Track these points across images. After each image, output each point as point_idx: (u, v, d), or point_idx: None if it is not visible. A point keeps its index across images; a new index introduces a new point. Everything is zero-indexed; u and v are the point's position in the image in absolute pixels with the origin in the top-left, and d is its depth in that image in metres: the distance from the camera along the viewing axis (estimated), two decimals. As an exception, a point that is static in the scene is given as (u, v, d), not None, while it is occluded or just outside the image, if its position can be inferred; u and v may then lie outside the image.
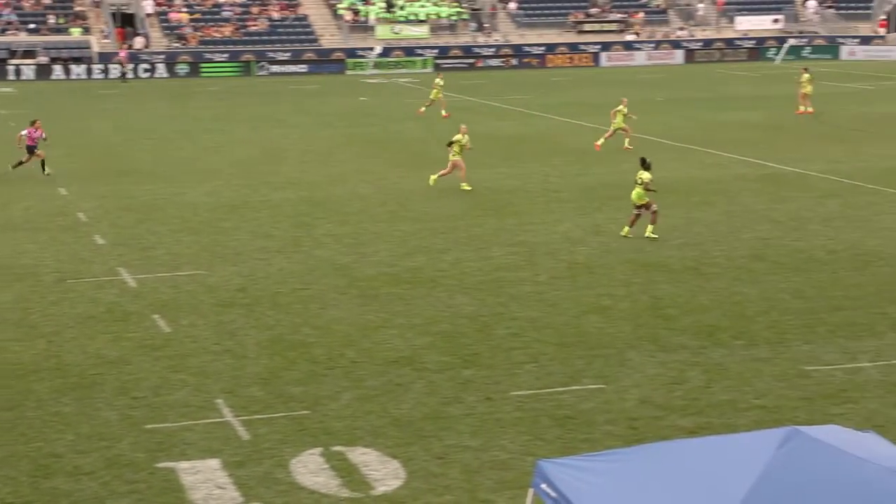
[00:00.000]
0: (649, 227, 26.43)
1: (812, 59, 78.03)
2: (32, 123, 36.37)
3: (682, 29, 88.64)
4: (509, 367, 18.04)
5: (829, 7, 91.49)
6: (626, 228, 26.66)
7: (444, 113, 51.41)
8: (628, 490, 9.39)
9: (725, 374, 17.55)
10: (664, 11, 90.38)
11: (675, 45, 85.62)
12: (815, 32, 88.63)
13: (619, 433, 15.26)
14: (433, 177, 33.55)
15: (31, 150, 35.83)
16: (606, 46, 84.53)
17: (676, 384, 17.13)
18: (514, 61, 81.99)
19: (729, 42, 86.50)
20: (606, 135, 40.48)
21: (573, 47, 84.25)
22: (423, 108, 52.62)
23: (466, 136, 33.63)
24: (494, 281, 23.20)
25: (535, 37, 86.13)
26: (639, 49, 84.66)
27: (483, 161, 39.23)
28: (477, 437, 15.32)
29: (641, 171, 26.48)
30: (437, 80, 53.51)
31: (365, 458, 14.72)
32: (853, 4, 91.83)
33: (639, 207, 26.39)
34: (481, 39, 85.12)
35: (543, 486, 9.82)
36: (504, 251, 25.75)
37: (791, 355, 18.33)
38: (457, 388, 17.18)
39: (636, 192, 26.40)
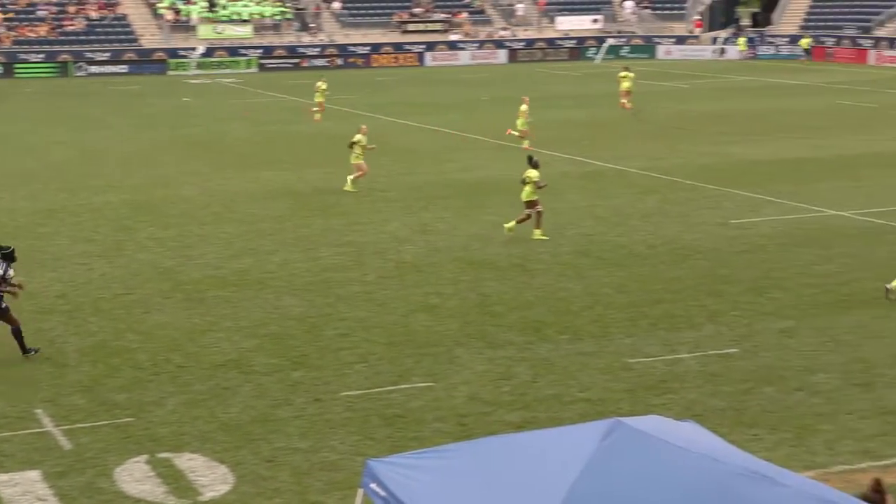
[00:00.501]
0: (537, 231, 26.51)
1: (630, 58, 79.80)
2: None
3: (504, 29, 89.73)
4: (339, 367, 17.99)
5: (646, 7, 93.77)
6: (512, 223, 26.67)
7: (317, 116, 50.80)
8: (457, 485, 9.45)
9: (551, 368, 17.82)
10: (483, 11, 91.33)
11: (499, 44, 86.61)
12: (633, 32, 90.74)
13: (449, 430, 15.35)
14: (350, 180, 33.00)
15: None
16: (431, 46, 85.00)
17: (504, 380, 17.32)
18: (339, 61, 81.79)
19: (550, 42, 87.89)
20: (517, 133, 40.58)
21: (398, 47, 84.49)
22: (318, 116, 51.27)
23: (366, 137, 33.37)
24: (323, 282, 23.10)
25: (359, 37, 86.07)
26: (463, 49, 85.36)
27: (310, 161, 39.09)
28: (306, 438, 15.23)
29: (529, 170, 26.61)
30: (320, 84, 52.51)
31: (192, 463, 14.49)
32: (668, 5, 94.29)
33: (528, 205, 26.46)
34: (306, 39, 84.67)
35: (373, 485, 9.80)
36: (332, 252, 25.66)
37: (614, 348, 18.72)
38: (286, 390, 17.05)
39: (525, 191, 26.55)
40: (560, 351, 18.63)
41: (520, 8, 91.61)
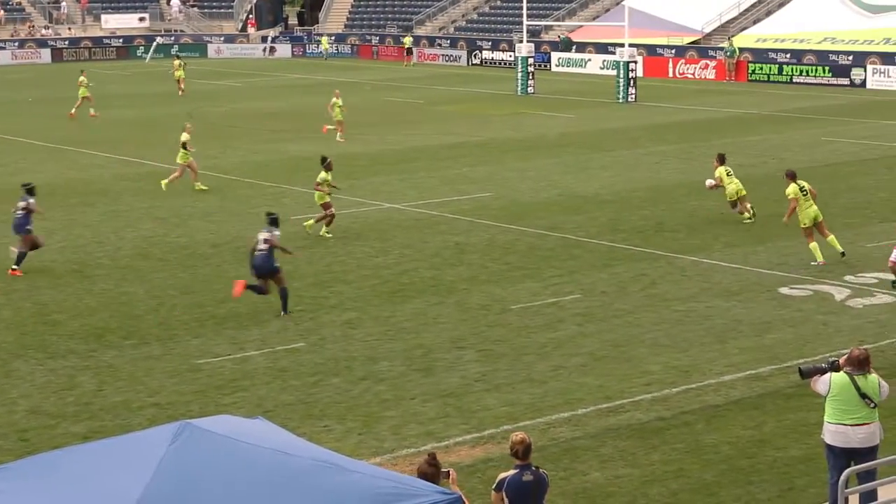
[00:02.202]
0: (324, 228, 26.33)
1: (181, 57, 79.09)
2: None
3: (46, 27, 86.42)
4: None
5: (193, 6, 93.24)
6: (311, 222, 26.53)
7: (92, 112, 48.02)
8: (19, 504, 9.05)
9: (117, 374, 17.39)
10: (23, 9, 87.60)
11: (42, 43, 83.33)
12: (182, 31, 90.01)
13: (10, 447, 14.65)
14: (164, 182, 31.41)
15: None
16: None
17: (67, 390, 16.72)
18: None
19: (97, 40, 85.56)
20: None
21: (-70, 46, 79.44)
22: (73, 110, 48.41)
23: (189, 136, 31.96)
24: None
25: None
26: (3, 48, 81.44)
27: None
28: None
29: (323, 172, 26.21)
30: (82, 79, 49.62)
31: None
32: (216, 4, 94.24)
33: (324, 207, 26.21)
34: None
35: (-78, 514, 9.21)
36: None
37: (182, 350, 18.52)
38: None
39: (318, 194, 26.30)
40: (125, 356, 18.21)
41: (63, 6, 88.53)
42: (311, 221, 26.81)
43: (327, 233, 26.48)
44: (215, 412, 15.05)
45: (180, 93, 57.80)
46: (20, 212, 23.83)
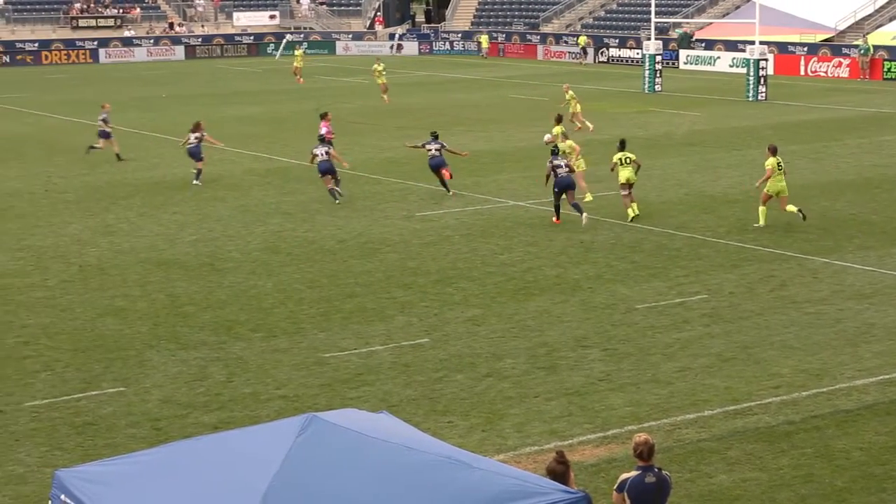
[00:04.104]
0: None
1: (310, 54, 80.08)
2: None
3: (180, 25, 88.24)
4: (22, 377, 17.25)
5: (323, 4, 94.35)
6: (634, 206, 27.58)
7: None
8: (152, 491, 9.25)
9: (246, 366, 17.68)
10: (158, 7, 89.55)
11: (175, 41, 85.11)
12: (311, 28, 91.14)
13: (143, 435, 14.99)
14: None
15: None
16: (104, 42, 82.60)
17: (198, 381, 17.06)
18: (6, 58, 78.27)
19: (229, 38, 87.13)
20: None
21: (69, 44, 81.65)
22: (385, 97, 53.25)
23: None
24: (1, 288, 22.07)
25: (27, 33, 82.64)
26: (138, 45, 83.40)
27: (-21, 163, 37.26)
28: (-10, 453, 14.55)
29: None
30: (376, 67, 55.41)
31: None
32: (345, 1, 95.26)
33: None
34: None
35: (62, 496, 9.48)
36: (9, 257, 24.56)
37: (308, 344, 18.76)
38: (-35, 403, 16.22)
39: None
40: (254, 349, 18.51)
41: (200, 4, 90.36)
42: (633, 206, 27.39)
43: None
44: (341, 406, 15.23)
45: (299, 81, 62.29)
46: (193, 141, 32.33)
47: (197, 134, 32.81)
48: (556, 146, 28.62)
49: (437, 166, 30.47)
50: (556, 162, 26.92)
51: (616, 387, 16.65)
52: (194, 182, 32.54)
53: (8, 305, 20.95)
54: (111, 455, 13.17)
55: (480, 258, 24.19)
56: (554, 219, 27.24)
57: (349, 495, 8.92)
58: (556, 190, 26.91)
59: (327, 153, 29.98)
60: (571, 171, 27.10)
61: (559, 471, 9.89)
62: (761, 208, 26.56)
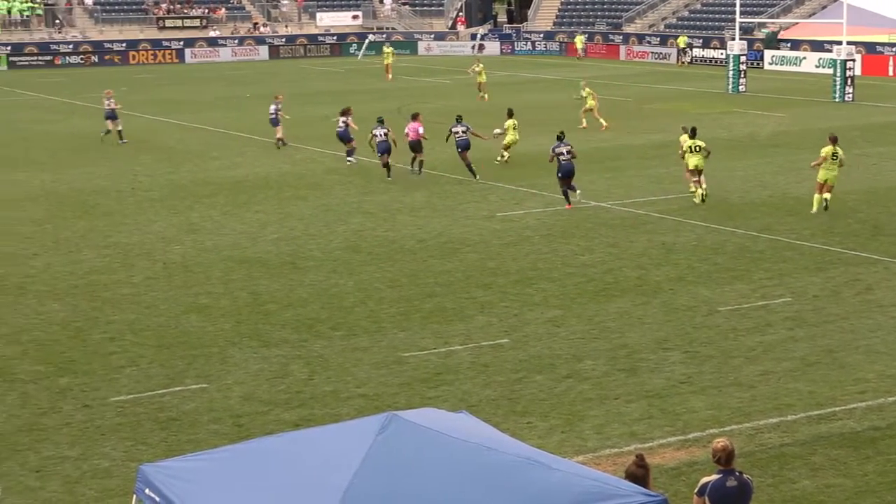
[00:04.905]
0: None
1: (392, 45, 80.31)
2: None
3: (264, 25, 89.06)
4: (107, 372, 17.52)
5: (405, 4, 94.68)
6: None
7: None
8: (234, 486, 9.35)
9: (327, 365, 17.79)
10: (243, 7, 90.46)
11: (259, 41, 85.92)
12: (393, 28, 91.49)
13: (225, 431, 15.15)
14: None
15: None
16: (190, 42, 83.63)
17: (279, 378, 17.21)
18: (94, 58, 79.56)
19: (312, 38, 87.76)
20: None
21: (156, 44, 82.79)
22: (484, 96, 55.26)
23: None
24: (88, 285, 22.45)
25: (115, 33, 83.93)
26: (223, 45, 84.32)
27: (67, 161, 37.89)
28: (76, 446, 14.79)
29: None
30: (475, 67, 57.47)
31: (-45, 478, 13.87)
32: (427, 2, 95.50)
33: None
34: (58, 36, 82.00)
35: (147, 490, 9.61)
36: (96, 254, 24.97)
37: (388, 343, 18.83)
38: (53, 397, 16.50)
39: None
40: (335, 347, 18.62)
41: (284, 3, 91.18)
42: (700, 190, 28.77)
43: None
44: (420, 405, 15.27)
45: (389, 77, 64.71)
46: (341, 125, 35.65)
47: (345, 118, 35.96)
48: (561, 132, 30.08)
49: (464, 147, 32.79)
50: (559, 149, 28.70)
51: (697, 389, 16.51)
52: (348, 160, 35.67)
53: (94, 302, 21.29)
54: (194, 450, 13.34)
55: (561, 259, 24.12)
56: (566, 206, 28.89)
57: (429, 494, 8.94)
58: (559, 176, 28.85)
59: (385, 134, 33.24)
60: (573, 156, 28.73)
61: (639, 474, 9.84)
62: (816, 196, 27.59)
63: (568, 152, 28.63)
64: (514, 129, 33.99)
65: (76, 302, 21.26)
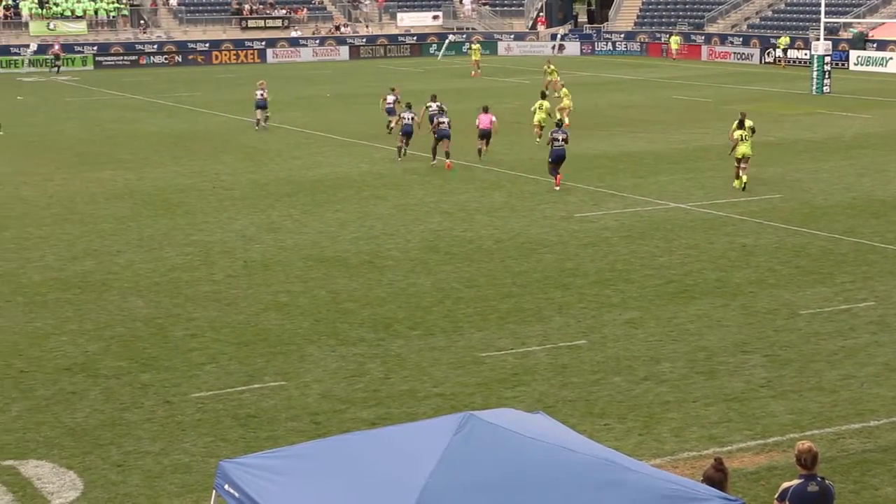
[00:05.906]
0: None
1: (478, 42, 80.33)
2: None
3: (345, 25, 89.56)
4: (188, 368, 17.73)
5: (485, 4, 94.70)
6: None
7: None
8: (311, 484, 9.39)
9: (404, 364, 17.85)
10: (324, 7, 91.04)
11: (340, 41, 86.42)
12: (473, 29, 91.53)
13: (303, 429, 15.26)
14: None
15: None
16: (272, 43, 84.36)
17: (357, 377, 17.29)
18: (178, 58, 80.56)
19: (392, 38, 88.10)
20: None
21: (239, 44, 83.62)
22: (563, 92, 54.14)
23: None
24: (170, 282, 22.74)
25: (199, 33, 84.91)
26: (304, 45, 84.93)
27: (151, 160, 38.40)
28: (157, 441, 14.98)
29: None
30: (548, 68, 58.56)
31: (38, 470, 14.11)
32: (507, 2, 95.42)
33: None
34: (143, 36, 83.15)
35: (226, 486, 9.69)
36: (178, 251, 25.28)
37: (465, 343, 18.84)
38: (134, 392, 16.74)
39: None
40: (412, 346, 18.68)
41: (366, 4, 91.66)
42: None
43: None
44: (497, 405, 15.27)
45: (473, 73, 68.40)
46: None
47: (393, 97, 41.93)
48: (560, 120, 34.40)
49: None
50: (554, 135, 31.37)
51: (777, 393, 16.32)
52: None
53: (176, 299, 21.56)
54: (272, 447, 13.44)
55: (639, 260, 23.97)
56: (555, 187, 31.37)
57: (506, 494, 8.93)
58: (549, 160, 31.51)
59: (412, 119, 36.27)
60: (565, 142, 31.30)
61: (717, 478, 9.75)
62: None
63: (563, 139, 31.18)
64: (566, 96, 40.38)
65: (158, 299, 21.54)
